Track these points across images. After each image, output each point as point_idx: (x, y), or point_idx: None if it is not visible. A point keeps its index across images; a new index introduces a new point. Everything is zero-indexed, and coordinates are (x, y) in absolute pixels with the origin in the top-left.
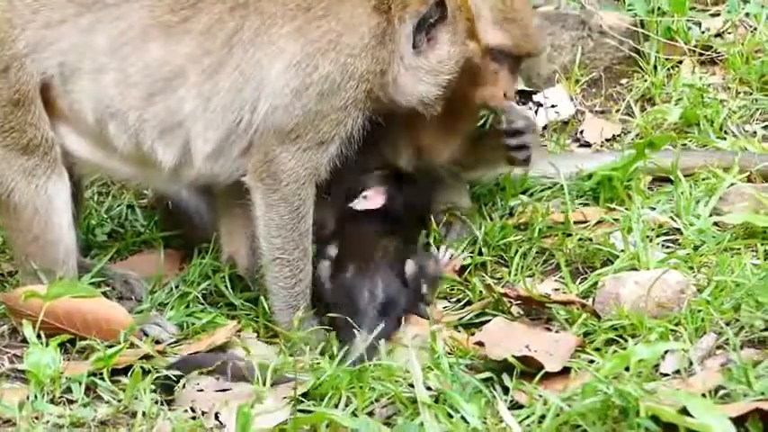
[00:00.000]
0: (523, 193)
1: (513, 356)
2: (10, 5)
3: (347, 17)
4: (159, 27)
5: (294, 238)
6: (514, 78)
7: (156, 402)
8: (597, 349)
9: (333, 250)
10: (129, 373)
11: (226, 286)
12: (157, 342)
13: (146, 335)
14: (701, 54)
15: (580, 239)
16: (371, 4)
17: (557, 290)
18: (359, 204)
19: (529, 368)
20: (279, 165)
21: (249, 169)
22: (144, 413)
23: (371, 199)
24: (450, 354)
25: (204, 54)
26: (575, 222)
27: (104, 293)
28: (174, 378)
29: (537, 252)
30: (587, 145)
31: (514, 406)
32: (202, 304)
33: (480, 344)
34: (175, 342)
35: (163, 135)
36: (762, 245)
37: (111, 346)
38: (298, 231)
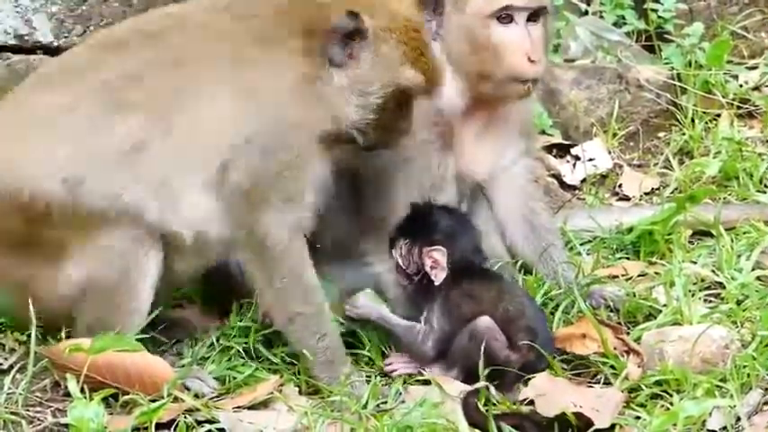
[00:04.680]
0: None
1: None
2: None
3: (273, 65)
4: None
5: (299, 295)
6: None
7: None
8: (642, 405)
9: None
10: (173, 428)
11: (263, 343)
12: (197, 396)
13: (187, 389)
14: (738, 107)
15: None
16: (298, 45)
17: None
18: None
19: (577, 424)
20: (258, 231)
21: (237, 245)
22: None
23: None
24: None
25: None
26: (615, 276)
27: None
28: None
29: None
30: (626, 198)
31: None
32: (243, 359)
33: (525, 400)
34: (217, 396)
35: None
36: None
37: (153, 401)
38: (302, 287)
